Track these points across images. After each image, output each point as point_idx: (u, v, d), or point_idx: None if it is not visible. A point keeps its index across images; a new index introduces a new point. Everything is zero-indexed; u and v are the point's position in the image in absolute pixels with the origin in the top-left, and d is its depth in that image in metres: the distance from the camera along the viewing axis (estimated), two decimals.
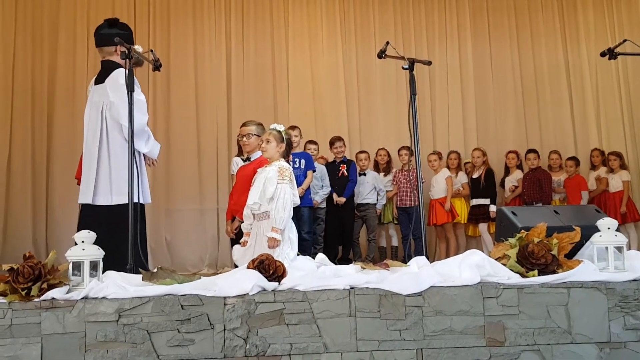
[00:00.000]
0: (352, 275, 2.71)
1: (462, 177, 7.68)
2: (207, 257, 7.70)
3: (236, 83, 8.08)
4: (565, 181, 7.69)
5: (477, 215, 7.45)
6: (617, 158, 7.59)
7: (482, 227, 7.41)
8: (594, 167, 7.90)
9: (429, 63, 3.80)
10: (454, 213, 7.42)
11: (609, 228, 2.73)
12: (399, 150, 7.55)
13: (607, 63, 7.98)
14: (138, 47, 3.82)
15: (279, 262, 2.67)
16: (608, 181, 7.64)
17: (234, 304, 2.44)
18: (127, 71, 3.38)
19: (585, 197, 7.53)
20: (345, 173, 7.02)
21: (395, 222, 7.47)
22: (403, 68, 3.55)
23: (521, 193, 7.49)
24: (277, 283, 2.57)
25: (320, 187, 6.65)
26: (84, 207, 4.05)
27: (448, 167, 7.68)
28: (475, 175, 7.60)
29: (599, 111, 8.47)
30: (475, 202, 7.49)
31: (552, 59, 8.55)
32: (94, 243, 2.63)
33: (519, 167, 7.74)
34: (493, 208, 7.21)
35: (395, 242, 7.59)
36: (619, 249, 2.73)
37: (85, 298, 2.43)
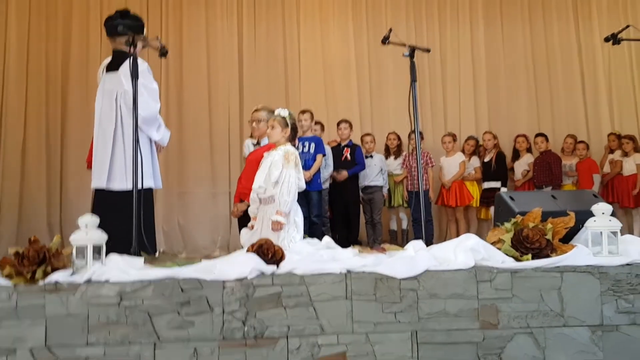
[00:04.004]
0: (348, 259, 2.75)
1: (475, 161, 7.64)
2: (219, 240, 7.79)
3: (248, 66, 8.10)
4: (577, 164, 7.63)
5: (489, 198, 7.41)
6: (630, 141, 7.50)
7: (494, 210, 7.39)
8: (612, 151, 7.79)
9: (428, 51, 3.82)
10: (468, 196, 7.42)
11: (603, 213, 2.75)
12: (409, 135, 7.52)
13: (620, 45, 7.85)
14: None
15: (278, 246, 2.72)
16: (622, 164, 7.57)
17: (233, 287, 2.50)
18: (130, 59, 3.44)
19: (597, 181, 7.47)
20: (349, 157, 7.00)
21: (406, 205, 7.48)
22: (404, 55, 3.57)
23: (532, 177, 7.47)
24: (275, 267, 2.63)
25: (324, 167, 6.56)
26: (99, 192, 4.14)
27: (463, 152, 7.66)
28: (486, 159, 7.57)
29: (611, 93, 8.36)
30: (486, 185, 7.47)
31: (564, 40, 8.43)
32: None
33: (529, 150, 7.69)
34: (504, 191, 7.20)
35: (405, 225, 7.60)
36: (615, 233, 2.75)
37: (88, 281, 2.50)
